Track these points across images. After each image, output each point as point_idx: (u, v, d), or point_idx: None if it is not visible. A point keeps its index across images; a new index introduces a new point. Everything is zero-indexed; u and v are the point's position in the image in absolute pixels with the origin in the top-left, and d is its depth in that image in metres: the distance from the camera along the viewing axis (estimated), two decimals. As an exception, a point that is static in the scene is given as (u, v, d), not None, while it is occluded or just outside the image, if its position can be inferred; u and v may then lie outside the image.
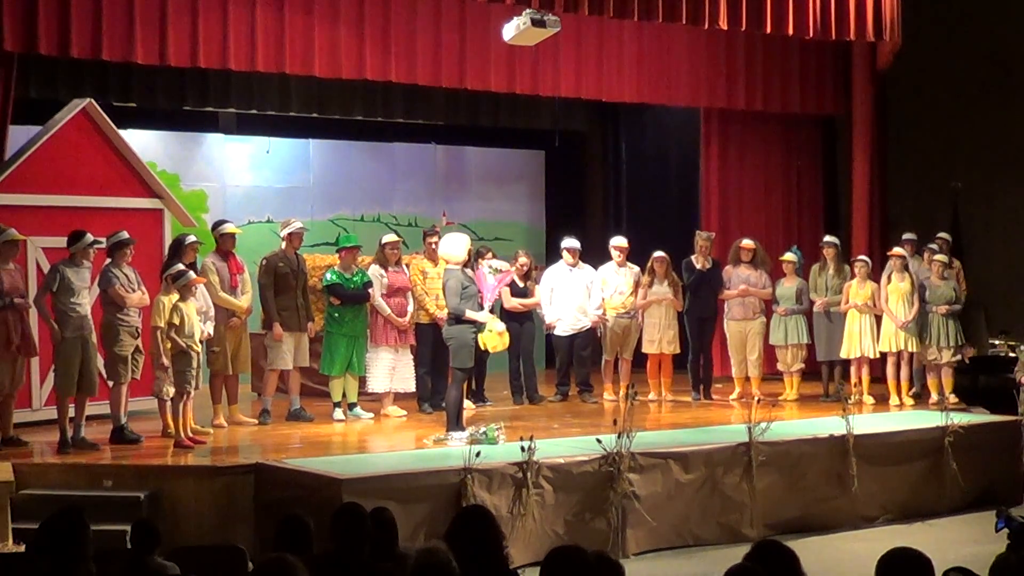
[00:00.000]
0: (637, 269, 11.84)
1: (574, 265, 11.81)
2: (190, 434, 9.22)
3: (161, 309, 9.10)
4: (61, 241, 9.30)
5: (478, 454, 7.81)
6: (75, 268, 9.06)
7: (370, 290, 10.48)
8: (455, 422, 9.47)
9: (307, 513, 5.42)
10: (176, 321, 9.06)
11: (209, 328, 9.67)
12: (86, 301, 9.12)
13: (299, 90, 13.32)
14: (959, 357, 11.64)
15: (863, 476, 9.31)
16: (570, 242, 11.89)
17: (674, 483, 8.65)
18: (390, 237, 11.00)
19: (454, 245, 9.59)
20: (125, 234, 9.35)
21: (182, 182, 13.65)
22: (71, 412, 9.05)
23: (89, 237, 9.13)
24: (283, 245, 10.61)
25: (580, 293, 11.76)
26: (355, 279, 10.46)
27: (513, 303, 11.56)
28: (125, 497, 7.95)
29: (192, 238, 9.95)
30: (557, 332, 11.89)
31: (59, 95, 11.46)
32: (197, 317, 9.33)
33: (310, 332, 10.55)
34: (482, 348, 9.56)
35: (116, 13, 10.18)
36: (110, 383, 9.24)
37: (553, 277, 11.86)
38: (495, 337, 9.53)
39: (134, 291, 9.25)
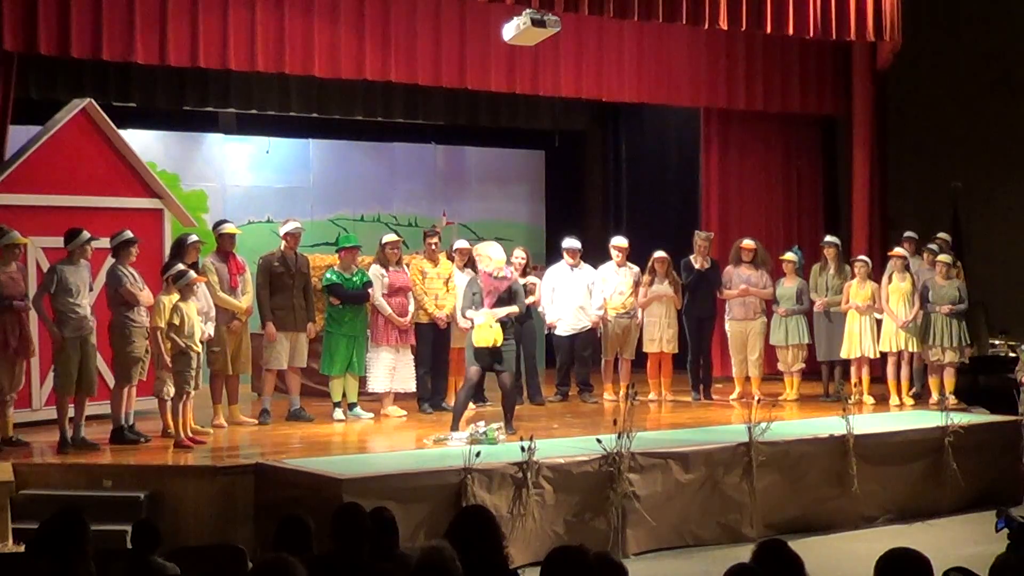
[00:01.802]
0: (637, 269, 11.84)
1: (575, 265, 11.80)
2: (190, 434, 9.22)
3: (161, 309, 9.10)
4: (61, 241, 9.28)
5: (478, 454, 7.81)
6: (73, 267, 9.05)
7: (370, 290, 10.48)
8: (455, 423, 9.54)
9: (307, 513, 5.42)
10: (176, 321, 9.06)
11: (210, 329, 9.67)
12: (86, 301, 9.11)
13: (299, 90, 13.32)
14: (962, 358, 11.63)
15: (863, 476, 9.31)
16: (571, 242, 11.89)
17: (674, 483, 8.65)
18: (390, 237, 10.99)
19: (491, 250, 9.83)
20: (129, 233, 9.35)
21: (182, 182, 13.64)
22: (71, 412, 9.05)
23: (85, 234, 9.10)
24: (282, 245, 10.62)
25: (581, 293, 11.75)
26: (355, 279, 10.46)
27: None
28: (125, 497, 7.95)
29: (194, 238, 9.94)
30: (558, 332, 11.88)
31: (59, 95, 11.45)
32: (198, 318, 9.33)
33: (310, 332, 10.55)
34: (477, 345, 9.54)
35: (116, 13, 10.18)
36: (121, 384, 9.22)
37: (554, 277, 11.86)
38: (484, 330, 9.52)
39: (141, 290, 9.26)
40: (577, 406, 11.68)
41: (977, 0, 13.98)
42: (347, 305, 10.43)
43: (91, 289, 9.31)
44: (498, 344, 9.56)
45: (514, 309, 9.73)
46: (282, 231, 10.67)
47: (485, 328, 9.52)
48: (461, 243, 11.54)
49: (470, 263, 11.28)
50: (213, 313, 9.77)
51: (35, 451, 9.00)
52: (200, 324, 9.35)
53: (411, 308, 10.73)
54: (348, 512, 5.11)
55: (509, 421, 9.66)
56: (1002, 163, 13.81)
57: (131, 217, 10.15)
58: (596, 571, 4.04)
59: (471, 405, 11.22)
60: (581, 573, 4.00)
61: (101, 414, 9.50)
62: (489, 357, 9.59)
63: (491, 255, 9.84)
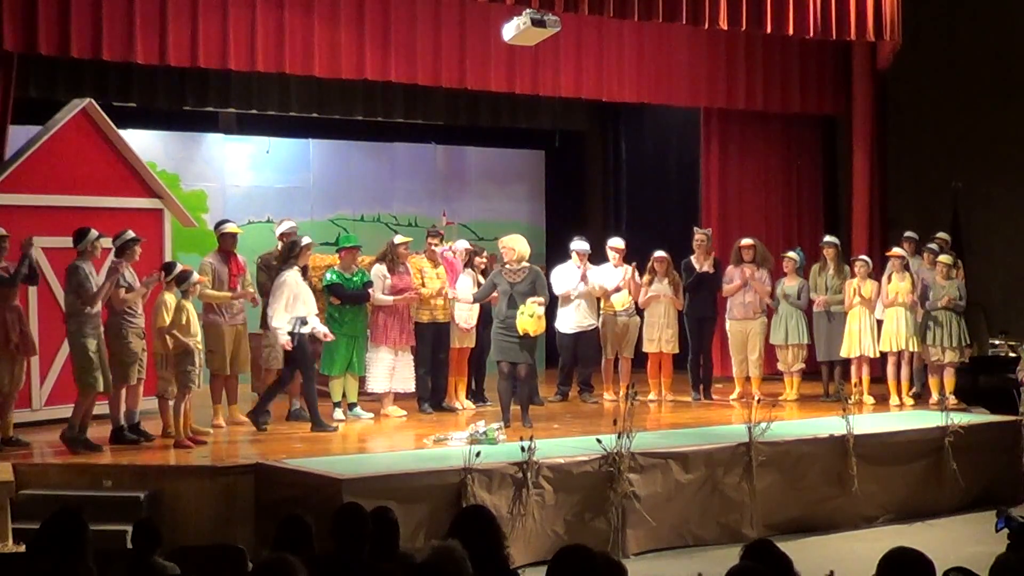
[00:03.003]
0: (629, 267, 11.80)
1: (582, 266, 11.79)
2: (190, 434, 9.22)
3: (166, 309, 9.11)
4: (61, 241, 9.29)
5: (478, 454, 7.81)
6: (88, 265, 9.04)
7: (370, 289, 10.47)
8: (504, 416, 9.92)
9: (307, 513, 5.42)
10: (183, 320, 9.08)
11: (318, 324, 9.90)
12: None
13: (299, 90, 13.31)
14: (962, 358, 11.62)
15: (863, 476, 9.32)
16: (579, 244, 11.86)
17: (674, 483, 8.65)
18: (401, 238, 10.97)
19: (517, 243, 10.05)
20: (131, 233, 9.36)
21: (182, 182, 13.63)
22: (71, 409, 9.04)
23: (94, 232, 9.07)
24: (278, 245, 10.61)
25: (586, 293, 11.75)
26: (355, 279, 10.45)
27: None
28: (125, 497, 7.96)
29: (308, 239, 10.07)
30: (562, 330, 11.86)
31: (59, 95, 11.45)
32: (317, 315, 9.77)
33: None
34: (521, 333, 9.72)
35: (116, 13, 10.18)
36: (118, 385, 9.18)
37: (562, 277, 11.82)
38: (529, 318, 9.67)
39: (128, 290, 9.23)
40: (577, 406, 11.68)
41: (977, 1, 13.96)
42: (347, 305, 10.42)
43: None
44: (540, 332, 9.82)
45: (540, 299, 9.87)
46: (278, 231, 10.69)
47: (530, 316, 9.64)
48: (461, 243, 11.54)
49: (469, 263, 11.28)
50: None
51: (35, 451, 9.00)
52: (313, 320, 9.74)
53: (412, 308, 10.74)
54: (349, 512, 5.10)
55: (510, 417, 9.82)
56: (1002, 163, 13.79)
57: (131, 217, 10.15)
58: (602, 571, 4.02)
59: (471, 405, 11.28)
60: (588, 573, 3.98)
61: (102, 414, 9.50)
62: (521, 343, 9.79)
63: (515, 247, 9.95)
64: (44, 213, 9.91)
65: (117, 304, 9.13)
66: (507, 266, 10.04)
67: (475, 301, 10.67)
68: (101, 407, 9.45)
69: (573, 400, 11.96)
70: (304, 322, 9.73)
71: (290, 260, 9.81)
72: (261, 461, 8.39)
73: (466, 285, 11.07)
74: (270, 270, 10.40)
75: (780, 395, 11.78)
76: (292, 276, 9.74)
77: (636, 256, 11.96)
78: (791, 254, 12.14)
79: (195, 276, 9.37)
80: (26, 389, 9.64)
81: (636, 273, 11.75)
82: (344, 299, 10.40)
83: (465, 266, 11.24)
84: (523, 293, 9.80)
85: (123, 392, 9.24)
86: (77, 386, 8.96)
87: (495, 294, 10.25)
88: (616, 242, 12.03)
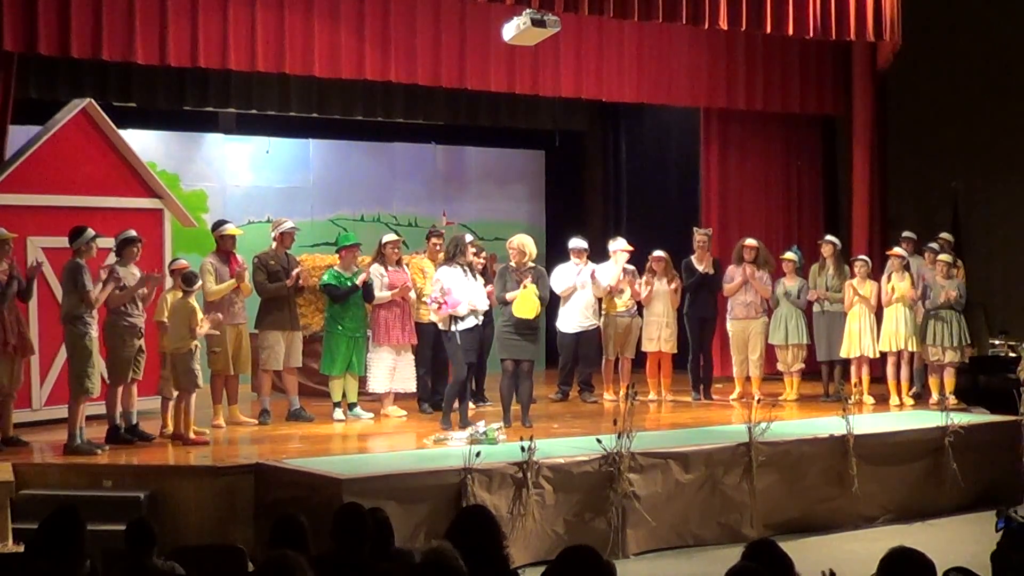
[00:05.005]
0: (634, 268, 11.81)
1: (582, 264, 11.79)
2: (193, 434, 9.22)
3: (165, 307, 9.12)
4: (61, 241, 9.27)
5: (478, 454, 7.81)
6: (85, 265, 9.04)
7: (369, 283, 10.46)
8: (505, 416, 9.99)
9: (307, 513, 5.41)
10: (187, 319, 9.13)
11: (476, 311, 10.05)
12: None
13: (299, 90, 13.31)
14: (962, 358, 11.60)
15: (863, 476, 9.31)
16: (577, 242, 11.87)
17: (674, 483, 8.65)
18: (390, 236, 10.99)
19: (527, 244, 10.18)
20: (132, 232, 9.35)
21: (182, 182, 13.64)
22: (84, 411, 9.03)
23: (90, 232, 9.05)
24: (273, 245, 10.61)
25: (587, 292, 11.74)
26: (354, 278, 10.42)
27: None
28: (125, 497, 7.95)
29: (469, 236, 10.38)
30: (563, 330, 11.86)
31: (59, 95, 11.46)
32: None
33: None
34: (517, 315, 9.81)
35: (116, 13, 10.18)
36: (115, 384, 9.18)
37: (563, 276, 11.82)
38: (526, 300, 9.78)
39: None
40: (577, 406, 11.68)
41: (977, 1, 13.96)
42: (347, 305, 10.41)
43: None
44: (537, 315, 9.87)
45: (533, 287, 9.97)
46: (278, 231, 10.66)
47: (527, 297, 9.72)
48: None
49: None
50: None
51: (35, 451, 9.00)
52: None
53: (412, 307, 10.75)
54: (349, 512, 5.10)
55: (511, 417, 9.89)
56: (1002, 163, 13.79)
57: (131, 217, 10.15)
58: (606, 572, 3.99)
59: (471, 405, 11.26)
60: (592, 573, 3.96)
61: (98, 414, 9.49)
62: (528, 341, 9.83)
63: (526, 248, 10.06)
64: (44, 213, 9.91)
65: (115, 303, 9.11)
66: (513, 265, 10.06)
67: (500, 302, 10.42)
68: (96, 407, 9.45)
69: (573, 400, 11.95)
70: (461, 319, 9.85)
71: (455, 257, 9.89)
72: (261, 461, 8.39)
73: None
74: (265, 268, 10.40)
75: (780, 395, 11.78)
76: (449, 272, 9.85)
77: (636, 256, 11.95)
78: (789, 255, 12.13)
79: (199, 278, 9.44)
80: (26, 389, 9.64)
81: (634, 274, 11.74)
82: (336, 298, 10.39)
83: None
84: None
85: (119, 391, 9.22)
86: (71, 389, 8.88)
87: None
88: (624, 244, 11.95)
